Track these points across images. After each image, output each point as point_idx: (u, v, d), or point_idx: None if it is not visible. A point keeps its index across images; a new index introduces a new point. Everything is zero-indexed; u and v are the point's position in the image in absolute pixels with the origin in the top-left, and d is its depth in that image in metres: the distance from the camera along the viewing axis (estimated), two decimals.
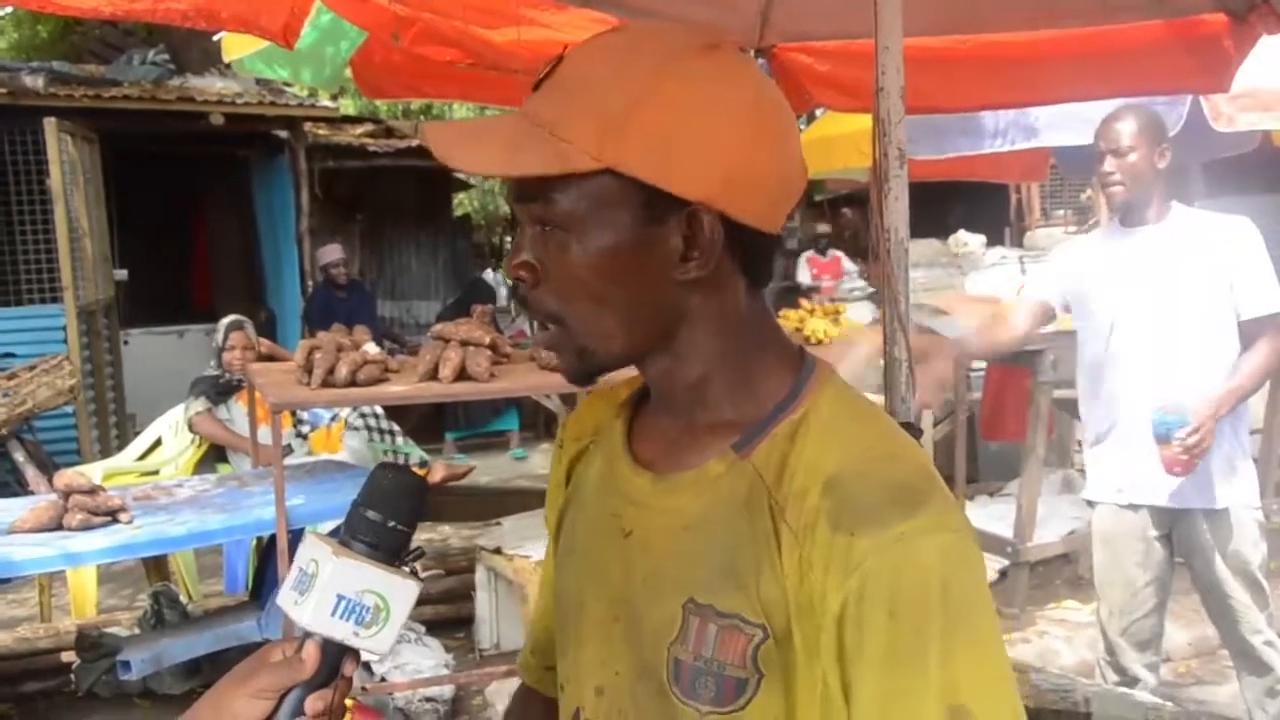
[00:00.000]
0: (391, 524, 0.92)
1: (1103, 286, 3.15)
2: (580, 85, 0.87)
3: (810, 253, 9.76)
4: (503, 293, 10.46)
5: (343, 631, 0.90)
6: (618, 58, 0.88)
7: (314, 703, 0.90)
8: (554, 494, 1.10)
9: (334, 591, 0.89)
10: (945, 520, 0.84)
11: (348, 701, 0.94)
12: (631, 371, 0.99)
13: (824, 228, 9.78)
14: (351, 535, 0.92)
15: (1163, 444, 2.92)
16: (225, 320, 5.43)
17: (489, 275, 11.13)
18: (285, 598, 0.92)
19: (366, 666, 3.77)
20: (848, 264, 9.53)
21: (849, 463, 0.86)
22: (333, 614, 0.89)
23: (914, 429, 0.98)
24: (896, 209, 1.98)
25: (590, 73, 0.88)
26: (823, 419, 0.90)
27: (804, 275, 9.45)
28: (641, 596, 0.93)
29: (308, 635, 0.91)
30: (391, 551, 0.92)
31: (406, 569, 0.93)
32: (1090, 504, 3.29)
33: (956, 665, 0.80)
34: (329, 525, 3.76)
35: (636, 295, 0.89)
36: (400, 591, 0.91)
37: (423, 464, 5.53)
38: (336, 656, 0.92)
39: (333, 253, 8.30)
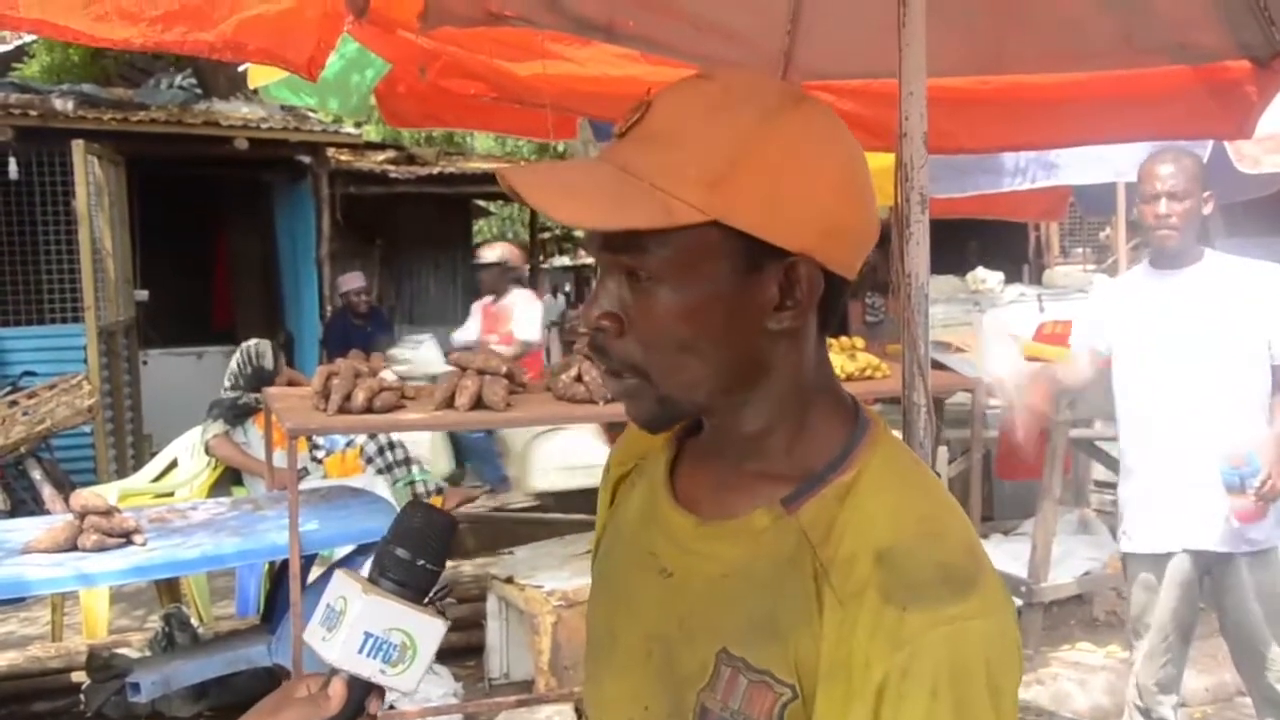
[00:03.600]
0: (420, 562, 0.93)
1: (1135, 331, 3.14)
2: (676, 139, 0.86)
3: None
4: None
5: (369, 669, 0.90)
6: (712, 112, 0.87)
7: None
8: (600, 517, 1.13)
9: (362, 629, 0.90)
10: (993, 605, 0.85)
11: None
12: None
13: None
14: (380, 573, 0.93)
15: (1235, 493, 2.90)
16: (267, 344, 5.41)
17: None
18: (313, 633, 0.92)
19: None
20: None
21: (901, 536, 0.86)
22: (360, 651, 0.90)
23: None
24: (917, 254, 1.96)
25: (685, 127, 0.87)
26: (874, 483, 0.90)
27: None
28: (677, 638, 0.93)
29: (334, 671, 0.91)
30: (420, 590, 0.93)
31: (434, 607, 0.94)
32: (1128, 554, 3.25)
33: None
34: (342, 551, 3.75)
35: (727, 345, 0.89)
36: (427, 630, 0.92)
37: (438, 491, 5.54)
38: (362, 694, 0.92)
39: (354, 280, 8.24)
